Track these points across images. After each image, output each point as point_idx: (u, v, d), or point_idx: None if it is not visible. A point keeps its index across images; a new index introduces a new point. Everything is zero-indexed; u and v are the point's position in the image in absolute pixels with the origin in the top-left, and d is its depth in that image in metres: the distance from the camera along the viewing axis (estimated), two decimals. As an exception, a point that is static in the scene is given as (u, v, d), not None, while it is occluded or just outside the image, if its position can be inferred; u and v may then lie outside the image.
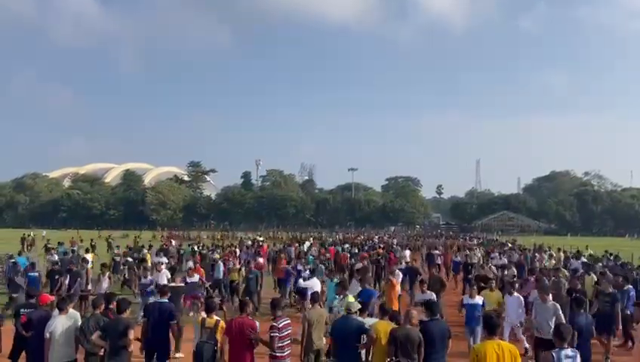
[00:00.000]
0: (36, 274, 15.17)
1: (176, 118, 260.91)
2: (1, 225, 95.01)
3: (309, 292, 10.39)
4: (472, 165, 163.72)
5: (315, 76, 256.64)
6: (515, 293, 11.07)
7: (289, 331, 7.41)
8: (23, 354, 8.25)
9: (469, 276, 18.04)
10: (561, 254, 23.73)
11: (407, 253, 25.52)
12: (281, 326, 7.28)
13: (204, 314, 7.79)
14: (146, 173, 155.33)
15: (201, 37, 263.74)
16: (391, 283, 12.20)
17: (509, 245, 34.58)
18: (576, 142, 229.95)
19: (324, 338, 8.15)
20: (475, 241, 49.23)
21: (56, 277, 15.59)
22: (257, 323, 7.41)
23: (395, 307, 10.51)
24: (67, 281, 14.86)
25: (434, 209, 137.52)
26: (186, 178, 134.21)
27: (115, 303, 7.89)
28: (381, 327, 7.10)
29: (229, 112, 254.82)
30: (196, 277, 13.87)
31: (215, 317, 7.62)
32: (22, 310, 8.29)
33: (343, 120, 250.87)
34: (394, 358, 6.71)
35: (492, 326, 5.90)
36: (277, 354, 7.21)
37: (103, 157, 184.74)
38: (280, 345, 7.21)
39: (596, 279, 13.56)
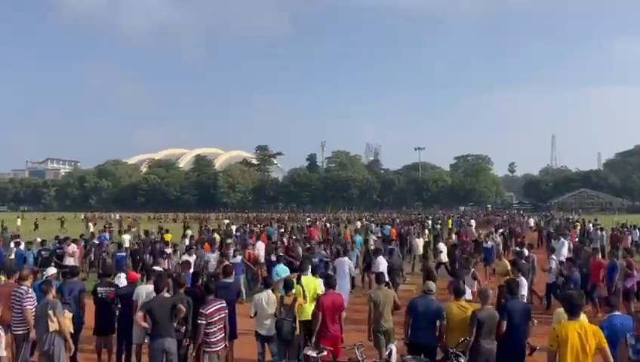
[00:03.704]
0: (123, 254, 16.17)
1: (243, 104, 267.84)
2: (88, 209, 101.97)
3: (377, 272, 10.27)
4: (547, 141, 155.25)
5: (377, 55, 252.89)
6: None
7: (221, 316, 7.08)
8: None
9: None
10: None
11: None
12: (208, 312, 6.90)
13: (282, 292, 8.01)
14: (216, 158, 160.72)
15: (263, 24, 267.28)
16: None
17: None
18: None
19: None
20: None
21: (138, 256, 16.60)
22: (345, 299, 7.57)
23: None
24: (149, 261, 15.76)
25: (506, 188, 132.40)
26: (254, 161, 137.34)
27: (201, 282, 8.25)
28: (451, 308, 7.06)
29: (293, 96, 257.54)
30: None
31: (293, 295, 7.81)
32: (98, 288, 8.77)
33: (408, 99, 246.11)
34: (468, 338, 6.61)
35: (573, 306, 5.63)
36: (209, 342, 6.87)
37: (176, 143, 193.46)
38: (207, 331, 6.87)
39: None
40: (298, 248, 16.29)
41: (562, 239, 17.48)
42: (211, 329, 6.95)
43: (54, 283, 8.10)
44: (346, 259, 13.04)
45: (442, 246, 17.04)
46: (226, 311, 7.28)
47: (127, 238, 21.76)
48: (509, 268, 11.86)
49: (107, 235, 21.69)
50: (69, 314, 7.67)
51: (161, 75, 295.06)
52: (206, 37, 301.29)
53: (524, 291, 9.03)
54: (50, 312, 7.10)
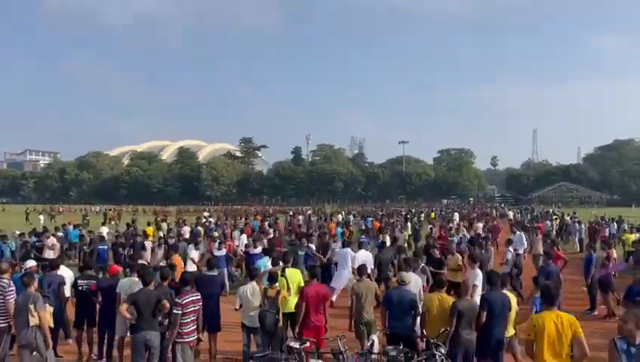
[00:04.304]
0: (105, 247, 15.99)
1: (228, 96, 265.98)
2: (68, 201, 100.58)
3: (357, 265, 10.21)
4: (529, 136, 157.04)
5: (363, 51, 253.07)
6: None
7: (195, 308, 7.14)
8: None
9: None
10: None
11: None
12: (184, 302, 6.96)
13: (266, 284, 8.00)
14: (199, 150, 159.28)
15: (252, 16, 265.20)
16: None
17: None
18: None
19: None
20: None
21: (120, 249, 16.44)
22: (329, 290, 7.56)
23: None
24: (130, 253, 15.62)
25: (488, 181, 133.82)
26: (238, 154, 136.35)
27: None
28: (432, 299, 7.14)
29: (278, 89, 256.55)
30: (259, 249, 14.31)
31: (276, 288, 7.83)
32: (79, 281, 8.74)
33: (393, 93, 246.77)
34: (448, 329, 6.70)
35: (550, 296, 5.73)
36: (181, 332, 6.91)
37: (159, 135, 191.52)
38: (180, 322, 6.89)
39: None
40: (263, 240, 16.15)
41: (518, 232, 17.79)
42: (185, 319, 6.95)
43: (36, 276, 8.00)
44: (348, 249, 13.04)
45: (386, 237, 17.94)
46: (201, 303, 7.26)
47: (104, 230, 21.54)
48: (460, 262, 12.14)
49: (71, 228, 21.17)
50: (49, 309, 7.59)
51: (145, 67, 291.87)
52: (191, 29, 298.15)
53: (478, 281, 9.09)
54: (32, 306, 7.00)
